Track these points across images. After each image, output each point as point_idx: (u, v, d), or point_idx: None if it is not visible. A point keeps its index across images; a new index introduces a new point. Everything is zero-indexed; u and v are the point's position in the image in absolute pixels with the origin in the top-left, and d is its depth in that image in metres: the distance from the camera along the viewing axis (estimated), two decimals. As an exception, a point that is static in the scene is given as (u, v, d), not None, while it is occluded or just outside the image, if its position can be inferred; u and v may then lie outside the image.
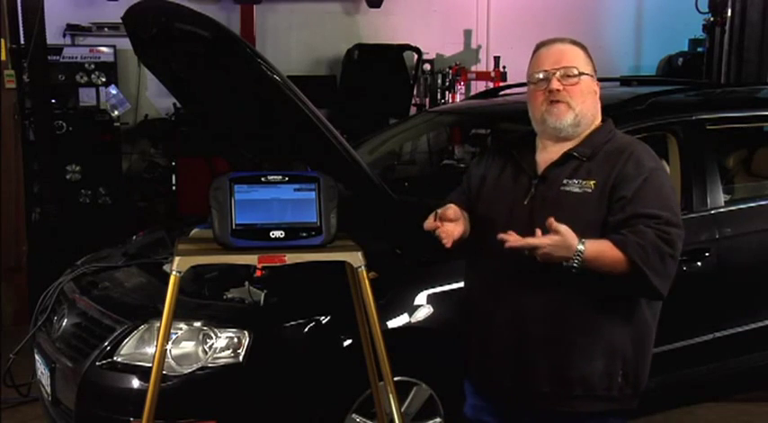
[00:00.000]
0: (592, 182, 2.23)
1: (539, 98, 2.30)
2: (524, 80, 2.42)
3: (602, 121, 2.38)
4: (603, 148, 2.29)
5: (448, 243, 2.22)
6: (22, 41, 5.39)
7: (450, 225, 2.24)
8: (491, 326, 2.34)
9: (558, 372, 2.26)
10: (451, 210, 2.26)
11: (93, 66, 7.12)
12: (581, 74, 2.28)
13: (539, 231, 2.08)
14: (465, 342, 2.47)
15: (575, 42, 2.35)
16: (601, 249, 2.10)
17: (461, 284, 2.60)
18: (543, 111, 2.29)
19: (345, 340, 2.90)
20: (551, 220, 2.06)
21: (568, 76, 2.27)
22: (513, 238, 2.09)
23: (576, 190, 2.23)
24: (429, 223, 2.24)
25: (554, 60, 2.29)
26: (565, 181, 2.26)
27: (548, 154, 2.34)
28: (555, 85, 2.26)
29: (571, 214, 2.17)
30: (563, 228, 2.05)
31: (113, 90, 7.18)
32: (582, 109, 2.29)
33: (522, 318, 2.27)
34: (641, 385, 2.34)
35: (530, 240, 2.07)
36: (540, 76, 2.30)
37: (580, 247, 2.06)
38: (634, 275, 2.12)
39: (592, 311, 2.24)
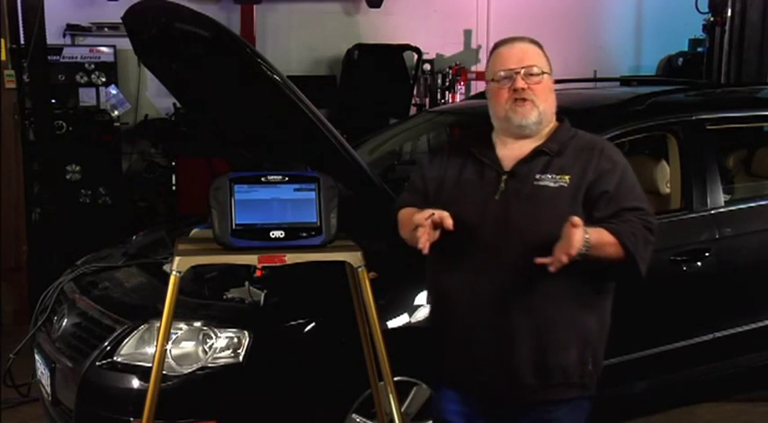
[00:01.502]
0: (567, 177, 2.29)
1: (503, 96, 2.33)
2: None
3: (559, 120, 2.42)
4: (570, 144, 2.35)
5: (426, 249, 2.15)
6: (22, 41, 5.38)
7: (434, 232, 2.19)
8: (472, 326, 2.34)
9: (540, 364, 2.31)
10: (447, 218, 2.19)
11: (93, 66, 7.13)
12: (543, 73, 2.32)
13: (573, 232, 2.05)
14: (438, 347, 2.46)
15: (534, 41, 2.40)
16: (600, 236, 2.17)
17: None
18: (507, 109, 2.32)
19: (345, 340, 2.90)
20: (575, 218, 2.06)
21: (532, 74, 2.31)
22: (555, 259, 2.07)
23: (552, 184, 2.28)
24: (420, 218, 2.18)
25: (517, 59, 2.32)
26: (538, 176, 2.29)
27: (509, 150, 2.36)
28: (520, 83, 2.29)
29: (547, 207, 2.25)
30: (576, 219, 2.08)
31: (113, 90, 7.18)
32: (545, 107, 2.33)
33: (503, 315, 2.29)
34: (600, 371, 2.42)
35: (568, 248, 2.05)
36: (503, 74, 2.32)
37: (587, 235, 2.11)
38: (625, 261, 2.20)
39: (570, 303, 2.30)
